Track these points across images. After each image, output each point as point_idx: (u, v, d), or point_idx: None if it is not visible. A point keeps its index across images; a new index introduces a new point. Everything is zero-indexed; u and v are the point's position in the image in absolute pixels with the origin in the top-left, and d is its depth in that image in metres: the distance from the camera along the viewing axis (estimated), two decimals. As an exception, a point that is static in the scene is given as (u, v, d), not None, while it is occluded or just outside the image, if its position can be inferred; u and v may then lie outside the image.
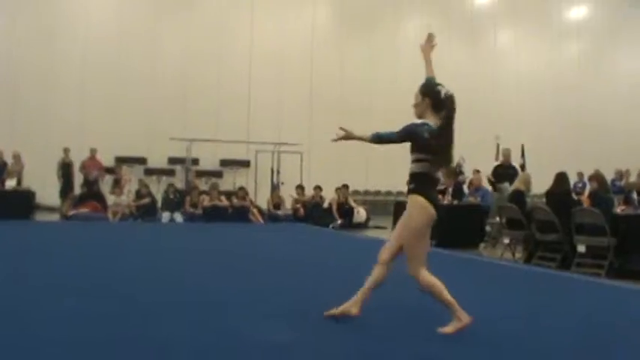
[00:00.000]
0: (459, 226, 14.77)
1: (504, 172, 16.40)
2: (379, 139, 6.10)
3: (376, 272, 5.87)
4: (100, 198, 20.30)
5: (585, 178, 20.68)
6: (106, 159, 22.41)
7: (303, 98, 25.54)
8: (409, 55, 27.34)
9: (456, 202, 16.03)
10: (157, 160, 24.11)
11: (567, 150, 27.37)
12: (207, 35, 24.88)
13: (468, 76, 27.95)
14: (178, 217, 20.04)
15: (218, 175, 24.43)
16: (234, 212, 20.53)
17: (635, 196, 20.61)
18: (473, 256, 13.33)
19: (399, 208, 17.06)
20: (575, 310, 7.20)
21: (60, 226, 18.39)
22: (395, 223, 16.36)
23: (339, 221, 20.15)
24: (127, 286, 7.72)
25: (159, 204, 20.91)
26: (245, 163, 24.86)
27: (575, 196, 14.50)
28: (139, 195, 20.74)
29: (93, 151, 21.46)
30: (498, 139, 19.16)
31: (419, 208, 5.68)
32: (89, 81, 23.70)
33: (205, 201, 20.54)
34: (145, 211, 20.37)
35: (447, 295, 5.59)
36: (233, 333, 5.44)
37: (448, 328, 5.56)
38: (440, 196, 16.44)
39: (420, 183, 5.75)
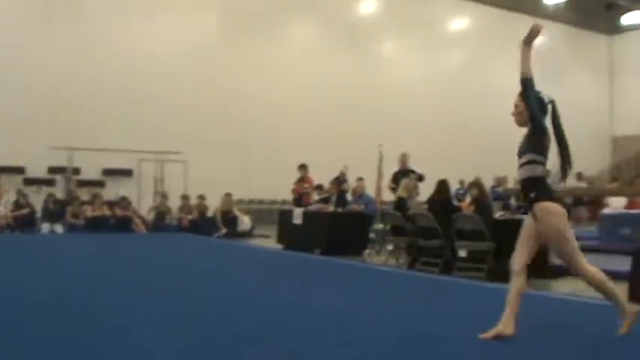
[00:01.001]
0: (343, 233, 14.91)
1: (404, 176, 16.59)
2: (529, 87, 6.03)
3: (516, 283, 5.76)
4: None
5: (466, 186, 21.16)
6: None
7: (186, 107, 25.26)
8: (294, 63, 27.67)
9: (339, 209, 16.15)
10: (37, 170, 23.43)
11: (449, 158, 27.94)
12: (87, 41, 24.33)
13: (352, 85, 28.29)
14: (59, 229, 19.58)
15: (100, 184, 23.90)
16: (117, 222, 20.20)
17: (512, 201, 21.24)
18: (357, 262, 13.45)
19: (283, 217, 17.15)
20: (455, 311, 7.35)
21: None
22: (280, 232, 16.54)
23: (224, 230, 20.07)
24: None
25: (38, 215, 20.36)
26: (128, 173, 24.42)
27: (456, 203, 14.81)
28: (17, 205, 20.15)
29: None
30: (381, 147, 19.38)
31: (552, 215, 5.59)
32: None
33: (88, 211, 20.13)
34: (24, 222, 19.79)
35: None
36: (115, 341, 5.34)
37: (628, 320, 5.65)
38: (323, 205, 16.62)
39: (541, 188, 5.69)
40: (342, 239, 14.77)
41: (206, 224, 20.71)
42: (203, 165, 23.68)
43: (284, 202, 22.50)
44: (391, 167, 17.33)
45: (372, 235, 15.18)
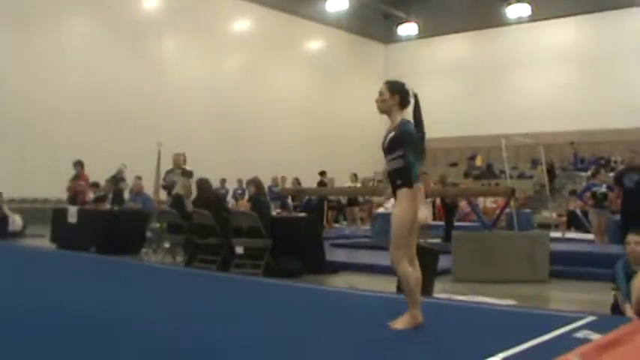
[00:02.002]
0: (119, 231, 14.70)
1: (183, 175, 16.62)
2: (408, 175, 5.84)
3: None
4: None
5: (244, 185, 21.41)
6: None
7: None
8: (70, 58, 26.61)
9: (116, 207, 15.89)
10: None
11: (228, 158, 28.13)
12: None
13: (132, 84, 27.77)
14: None
15: None
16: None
17: (290, 201, 21.68)
18: (133, 261, 13.30)
19: (57, 215, 16.64)
20: (229, 305, 7.43)
21: None
22: (54, 231, 16.04)
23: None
24: None
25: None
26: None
27: (233, 202, 14.96)
28: None
29: None
30: (160, 146, 19.20)
31: (409, 200, 5.75)
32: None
33: None
34: None
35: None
36: None
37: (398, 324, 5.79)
38: (99, 203, 16.30)
39: (407, 176, 5.79)
40: (119, 238, 14.53)
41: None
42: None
43: (59, 200, 21.72)
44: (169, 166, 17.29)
45: (149, 234, 15.00)
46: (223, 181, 24.49)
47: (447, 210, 17.37)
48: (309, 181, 24.03)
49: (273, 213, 13.67)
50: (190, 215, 12.62)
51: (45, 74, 25.57)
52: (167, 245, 13.86)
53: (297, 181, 24.38)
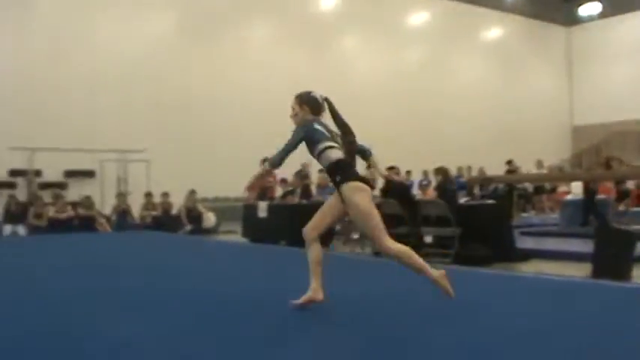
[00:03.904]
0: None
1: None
2: (278, 161, 6.27)
3: (312, 253, 6.20)
4: None
5: (430, 176, 21.28)
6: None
7: (149, 105, 25.07)
8: (253, 63, 27.60)
9: (304, 201, 16.18)
10: (-3, 173, 23.20)
11: (412, 150, 28.03)
12: (46, 36, 24.08)
13: (313, 82, 28.09)
14: (21, 230, 19.42)
15: (63, 186, 23.62)
16: (80, 222, 20.04)
17: (477, 190, 21.40)
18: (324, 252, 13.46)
19: (248, 211, 17.14)
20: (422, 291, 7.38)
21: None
22: (245, 226, 16.51)
23: (188, 227, 19.99)
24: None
25: (0, 217, 20.19)
26: (90, 174, 24.20)
27: (419, 192, 14.88)
28: (-23, 209, 19.99)
29: None
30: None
31: (357, 192, 5.89)
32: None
33: (50, 212, 19.96)
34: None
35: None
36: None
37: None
38: (289, 197, 16.65)
39: (342, 170, 6.02)
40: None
41: (170, 221, 20.60)
42: (167, 163, 23.52)
43: (249, 198, 22.44)
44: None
45: (336, 227, 15.14)
46: (408, 173, 24.43)
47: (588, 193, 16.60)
48: (494, 171, 23.63)
49: (461, 201, 13.52)
50: (378, 205, 12.67)
51: (230, 77, 26.55)
52: (356, 236, 13.97)
53: (482, 171, 24.08)
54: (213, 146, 25.34)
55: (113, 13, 25.12)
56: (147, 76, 24.96)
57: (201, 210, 20.86)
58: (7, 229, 19.43)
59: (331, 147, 6.07)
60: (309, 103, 6.39)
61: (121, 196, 21.81)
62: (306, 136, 6.15)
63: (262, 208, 16.30)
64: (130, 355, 4.52)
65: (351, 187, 5.88)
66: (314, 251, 6.15)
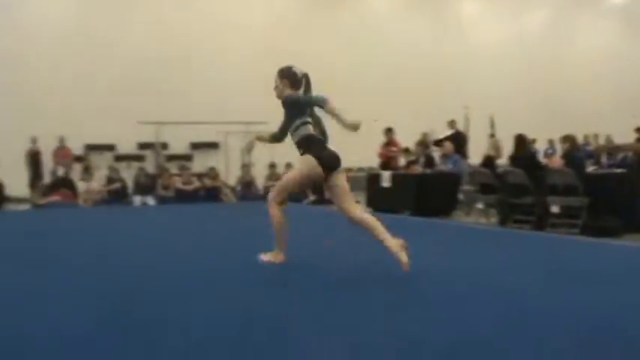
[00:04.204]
0: (432, 194, 14.80)
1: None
2: (282, 135, 7.01)
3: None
4: (70, 185, 20.15)
5: (556, 145, 20.83)
6: (76, 147, 22.23)
7: (270, 77, 25.30)
8: (374, 31, 27.54)
9: (428, 171, 16.09)
10: (127, 146, 23.93)
11: (536, 118, 27.43)
12: (174, 14, 24.69)
13: (434, 49, 28.04)
14: (150, 200, 20.01)
15: (188, 158, 24.25)
16: (206, 193, 20.49)
17: (604, 159, 20.80)
18: (447, 221, 13.39)
19: (372, 180, 17.16)
20: (547, 264, 7.23)
21: (31, 214, 18.23)
22: (369, 195, 16.54)
23: (312, 197, 20.13)
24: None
25: (130, 189, 20.85)
26: (215, 145, 24.73)
27: (544, 160, 14.61)
28: (109, 181, 20.65)
29: (62, 140, 21.32)
30: (466, 109, 19.20)
31: (307, 165, 6.59)
32: (57, 68, 23.38)
33: (177, 183, 20.49)
34: (117, 195, 20.27)
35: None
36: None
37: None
38: (412, 166, 16.59)
39: (312, 145, 6.66)
40: (431, 200, 14.66)
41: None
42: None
43: (371, 169, 22.46)
44: (478, 129, 17.29)
45: (460, 196, 15.02)
46: (533, 141, 23.95)
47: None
48: (622, 139, 22.89)
49: (588, 170, 13.18)
50: (503, 175, 12.50)
51: (348, 47, 26.60)
52: (480, 206, 13.83)
53: (609, 139, 23.43)
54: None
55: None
56: (269, 47, 25.19)
57: (330, 181, 20.97)
58: (137, 199, 20.03)
59: (308, 122, 6.71)
60: (289, 78, 6.92)
61: (245, 167, 22.15)
62: (297, 104, 6.72)
63: (386, 178, 16.26)
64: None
65: (305, 160, 6.55)
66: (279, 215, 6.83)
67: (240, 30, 25.30)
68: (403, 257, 6.08)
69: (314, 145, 6.61)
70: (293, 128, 6.69)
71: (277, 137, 7.10)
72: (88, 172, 20.88)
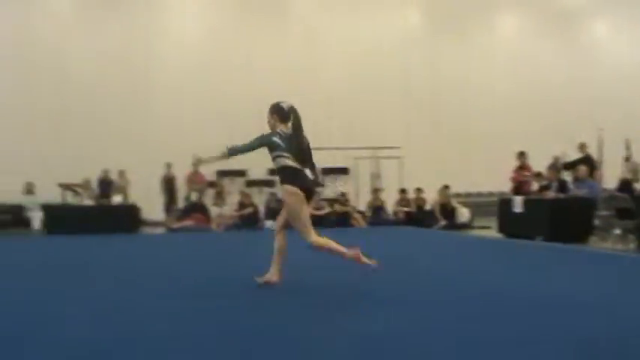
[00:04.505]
0: (566, 219, 14.46)
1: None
2: (236, 151, 7.54)
3: (276, 242, 7.64)
4: (203, 210, 20.62)
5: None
6: (208, 173, 22.74)
7: (397, 101, 25.41)
8: (502, 53, 27.24)
9: (561, 195, 15.73)
10: (258, 172, 24.31)
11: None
12: (297, 42, 25.11)
13: (563, 72, 27.47)
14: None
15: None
16: (337, 218, 20.59)
17: None
18: (583, 247, 13.04)
19: (503, 205, 16.91)
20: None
21: (165, 238, 18.74)
22: (501, 220, 16.27)
23: (442, 222, 19.96)
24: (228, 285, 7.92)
25: (261, 213, 21.16)
26: (344, 171, 24.88)
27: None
28: (241, 205, 21.01)
29: (195, 165, 21.86)
30: (601, 133, 18.68)
31: (290, 195, 7.19)
32: (187, 97, 24.10)
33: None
34: (249, 220, 20.59)
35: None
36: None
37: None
38: (545, 191, 16.25)
39: (284, 175, 7.30)
40: (566, 226, 14.32)
41: (424, 217, 20.69)
42: (419, 158, 23.68)
43: (502, 194, 22.17)
44: (611, 152, 16.84)
45: (596, 221, 14.59)
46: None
47: None
48: None
49: None
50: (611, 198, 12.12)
51: (478, 70, 26.44)
52: (617, 232, 13.42)
53: None
54: (465, 141, 25.28)
55: (356, 11, 25.74)
56: (397, 72, 25.29)
57: (455, 205, 20.78)
58: (269, 224, 20.32)
59: (281, 155, 7.27)
60: (278, 113, 7.59)
61: (376, 192, 22.18)
62: (263, 143, 7.39)
63: (518, 203, 16.01)
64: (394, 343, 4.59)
65: (285, 190, 7.25)
66: (277, 241, 7.59)
67: (373, 50, 25.44)
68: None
69: (288, 175, 7.25)
70: (272, 159, 7.43)
71: (232, 154, 7.68)
72: (220, 197, 21.33)
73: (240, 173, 24.27)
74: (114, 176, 21.23)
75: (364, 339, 4.80)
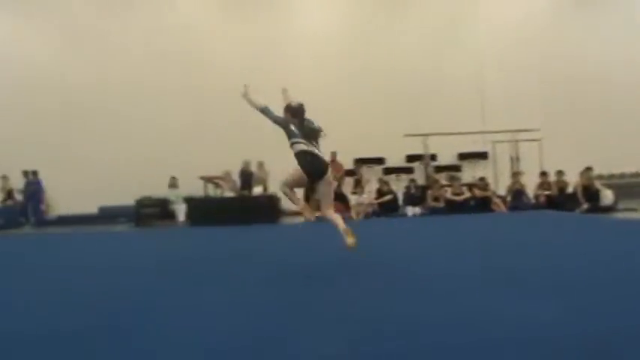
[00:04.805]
0: None
1: None
2: (266, 113, 8.91)
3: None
4: (342, 199, 20.82)
5: None
6: (346, 161, 22.93)
7: (534, 83, 24.94)
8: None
9: None
10: (395, 159, 24.40)
11: None
12: (435, 28, 25.00)
13: None
14: (417, 211, 20.23)
15: (456, 169, 24.34)
16: (477, 203, 20.42)
17: None
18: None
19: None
20: None
21: (304, 227, 18.99)
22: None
23: (585, 205, 19.49)
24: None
25: (400, 201, 21.20)
26: (483, 155, 24.63)
27: None
28: (380, 193, 21.09)
29: (333, 155, 22.09)
30: None
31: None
32: (330, 90, 24.38)
33: (447, 193, 20.57)
34: (388, 207, 20.66)
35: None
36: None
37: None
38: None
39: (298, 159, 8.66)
40: None
41: (565, 200, 20.25)
42: (559, 140, 23.23)
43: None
44: None
45: None
46: None
47: None
48: None
49: None
50: None
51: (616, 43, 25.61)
52: None
53: None
54: (607, 120, 24.56)
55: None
56: (535, 53, 24.86)
57: (598, 187, 20.25)
58: (408, 211, 20.34)
59: (297, 142, 8.65)
60: (289, 111, 8.94)
61: (515, 175, 21.87)
62: (282, 126, 8.86)
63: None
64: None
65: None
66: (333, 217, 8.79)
67: (500, 40, 25.08)
68: (348, 240, 8.23)
69: (298, 159, 8.62)
70: (290, 145, 8.78)
71: (259, 109, 8.98)
72: (359, 185, 21.48)
73: (379, 161, 24.41)
74: (253, 168, 21.72)
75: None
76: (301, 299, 6.13)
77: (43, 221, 22.97)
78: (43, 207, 23.61)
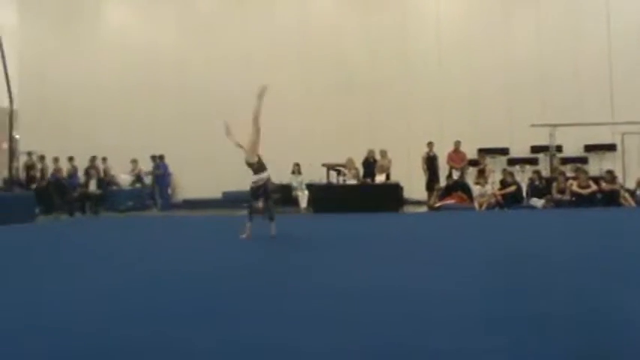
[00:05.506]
0: None
1: None
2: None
3: None
4: (465, 189, 20.66)
5: None
6: (469, 151, 22.73)
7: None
8: None
9: None
10: (519, 150, 24.03)
11: None
12: (560, 17, 24.42)
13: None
14: (538, 203, 19.84)
15: (583, 161, 23.71)
16: (604, 197, 19.88)
17: None
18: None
19: None
20: None
21: (428, 216, 18.95)
22: None
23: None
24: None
25: (524, 192, 20.86)
26: (611, 147, 23.93)
27: None
28: (503, 184, 20.78)
29: (457, 144, 21.95)
30: None
31: None
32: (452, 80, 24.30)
33: (573, 186, 20.09)
34: (511, 199, 20.33)
35: None
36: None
37: None
38: None
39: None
40: None
41: None
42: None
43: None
44: None
45: None
46: None
47: None
48: None
49: None
50: None
51: None
52: None
53: None
54: None
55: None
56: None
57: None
58: (532, 203, 20.01)
59: None
60: None
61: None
62: None
63: None
64: None
65: None
66: None
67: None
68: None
69: None
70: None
71: None
72: (482, 175, 21.23)
73: (502, 151, 24.08)
74: (377, 157, 21.79)
75: None
76: None
77: (169, 204, 23.65)
78: (169, 190, 24.32)
